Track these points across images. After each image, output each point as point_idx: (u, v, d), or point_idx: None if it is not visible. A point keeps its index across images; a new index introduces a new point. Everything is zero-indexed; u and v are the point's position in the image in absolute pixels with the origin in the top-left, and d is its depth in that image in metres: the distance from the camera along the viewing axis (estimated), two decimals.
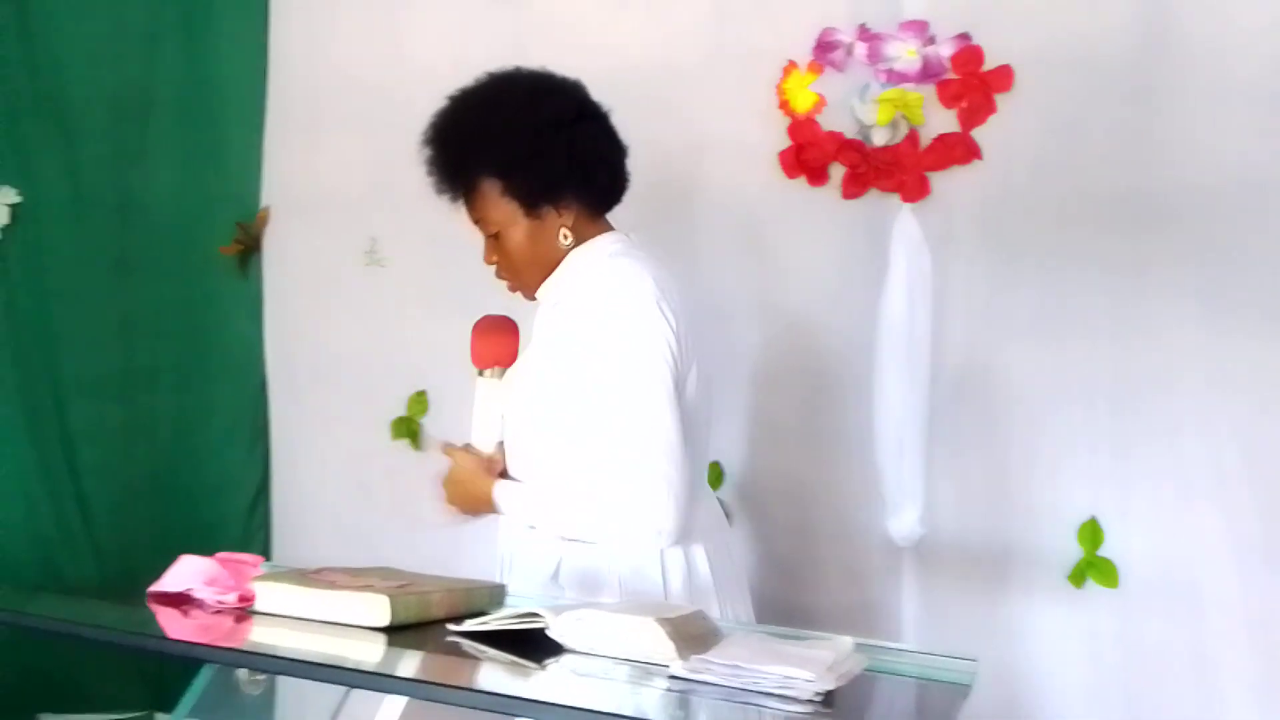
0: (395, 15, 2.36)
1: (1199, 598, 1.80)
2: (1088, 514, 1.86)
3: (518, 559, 1.48)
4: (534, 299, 1.52)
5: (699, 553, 1.43)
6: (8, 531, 2.50)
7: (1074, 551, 1.87)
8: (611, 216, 1.56)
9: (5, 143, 2.54)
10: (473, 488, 1.46)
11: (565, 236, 1.47)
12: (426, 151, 1.51)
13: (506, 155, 1.44)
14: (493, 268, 1.52)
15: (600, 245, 1.49)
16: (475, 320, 1.54)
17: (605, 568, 1.40)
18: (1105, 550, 1.85)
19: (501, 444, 1.49)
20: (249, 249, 2.51)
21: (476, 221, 1.50)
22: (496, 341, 1.52)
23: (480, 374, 1.51)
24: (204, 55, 2.52)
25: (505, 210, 1.46)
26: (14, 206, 2.53)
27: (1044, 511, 1.89)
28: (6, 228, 2.53)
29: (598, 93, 2.15)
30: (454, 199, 1.50)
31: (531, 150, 1.44)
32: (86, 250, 2.53)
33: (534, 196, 1.46)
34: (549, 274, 1.49)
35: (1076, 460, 1.88)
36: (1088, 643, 1.86)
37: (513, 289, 1.53)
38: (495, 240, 1.49)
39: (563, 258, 1.48)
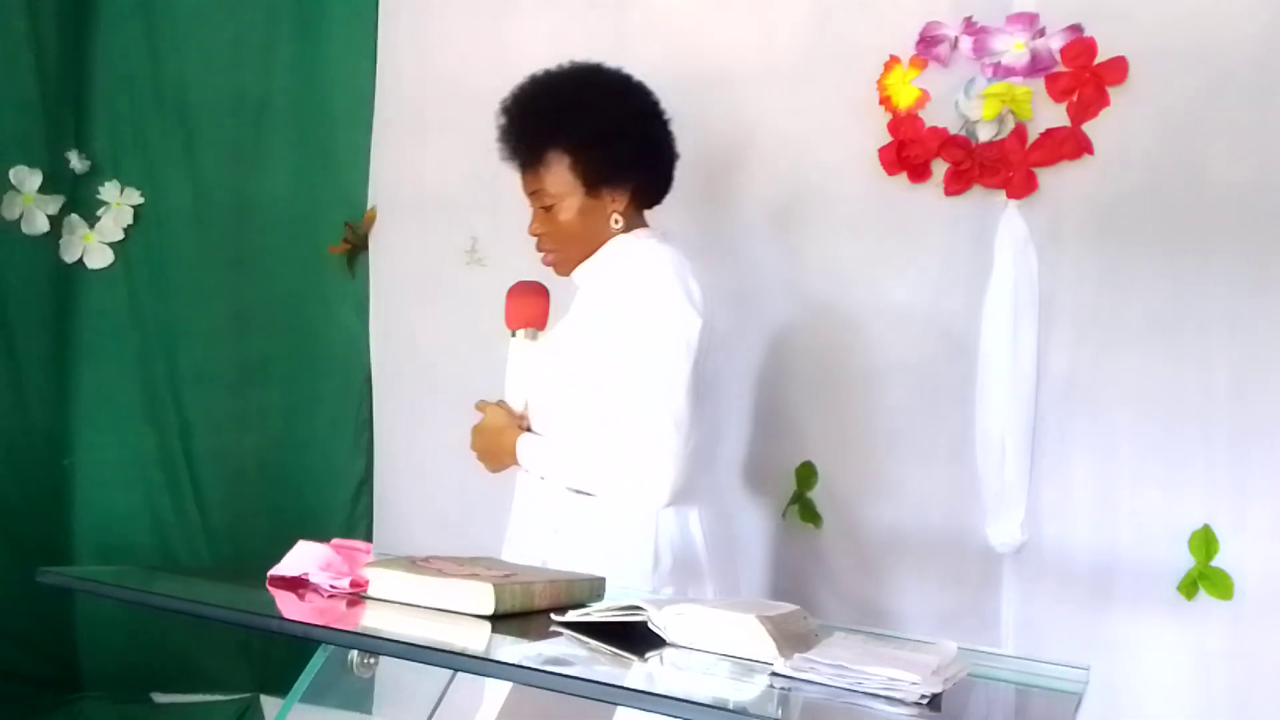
0: (498, 21, 2.41)
1: None
2: (1201, 523, 1.79)
3: (524, 510, 1.58)
4: (568, 274, 1.61)
5: (694, 519, 1.52)
6: (129, 516, 2.64)
7: (1185, 561, 1.80)
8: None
9: (132, 148, 2.68)
10: (500, 439, 1.55)
11: (616, 220, 1.57)
12: (502, 119, 1.60)
13: (585, 132, 1.54)
14: (534, 239, 1.60)
15: (643, 235, 1.60)
16: (510, 285, 1.62)
17: (604, 520, 1.49)
18: (1219, 561, 1.78)
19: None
20: (356, 248, 2.59)
21: (533, 192, 1.58)
22: (530, 303, 1.59)
23: (514, 334, 1.59)
24: (316, 62, 2.61)
25: (567, 184, 1.55)
26: (137, 208, 2.68)
27: (1154, 520, 1.82)
28: (130, 228, 2.67)
29: (696, 93, 2.18)
30: (521, 166, 1.58)
31: (610, 132, 1.55)
32: (204, 249, 2.65)
33: (599, 176, 1.55)
34: (590, 253, 1.58)
35: (1190, 467, 1.80)
36: (1198, 657, 1.79)
37: (550, 262, 1.61)
38: (547, 212, 1.57)
39: (606, 240, 1.58)
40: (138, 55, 2.67)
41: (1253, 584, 1.77)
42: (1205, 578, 1.78)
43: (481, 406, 1.60)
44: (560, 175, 1.55)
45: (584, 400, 1.50)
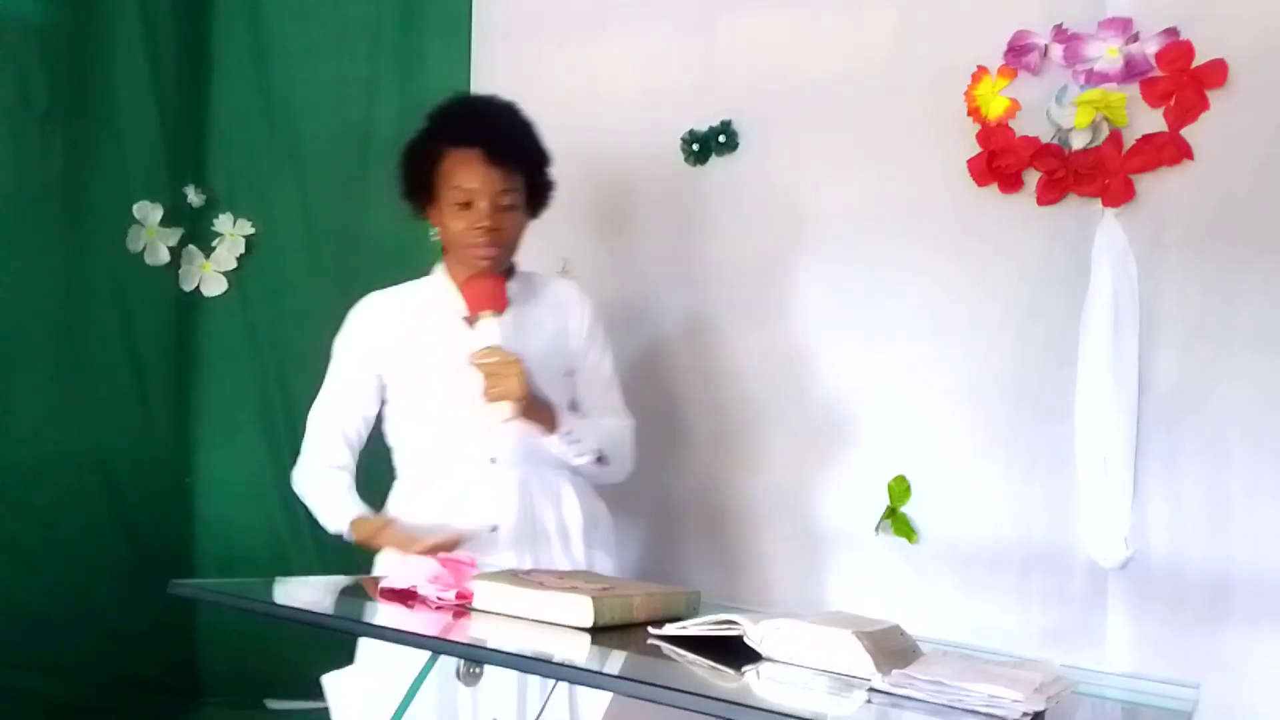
0: (591, 49, 2.46)
1: None
2: None
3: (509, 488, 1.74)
4: (493, 273, 1.73)
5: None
6: (245, 530, 2.77)
7: None
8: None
9: (243, 181, 2.83)
10: (524, 379, 1.63)
11: (521, 239, 1.79)
12: (471, 112, 1.79)
13: (544, 162, 1.79)
14: (474, 232, 1.70)
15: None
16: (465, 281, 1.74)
17: (587, 492, 1.83)
18: None
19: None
20: None
21: (504, 190, 1.71)
22: (492, 289, 1.69)
23: (479, 319, 1.67)
24: (415, 94, 2.68)
25: (522, 199, 1.75)
26: (249, 238, 2.82)
27: (1269, 535, 1.76)
28: (243, 257, 2.82)
29: (788, 109, 2.20)
30: (497, 160, 1.70)
31: (547, 172, 1.81)
32: (314, 276, 2.77)
33: (537, 204, 1.81)
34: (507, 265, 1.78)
35: None
36: None
37: (489, 256, 1.72)
38: (504, 213, 1.72)
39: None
40: (250, 93, 2.82)
41: None
42: None
43: (489, 351, 1.64)
44: (520, 188, 1.74)
45: (561, 387, 1.77)
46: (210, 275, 2.81)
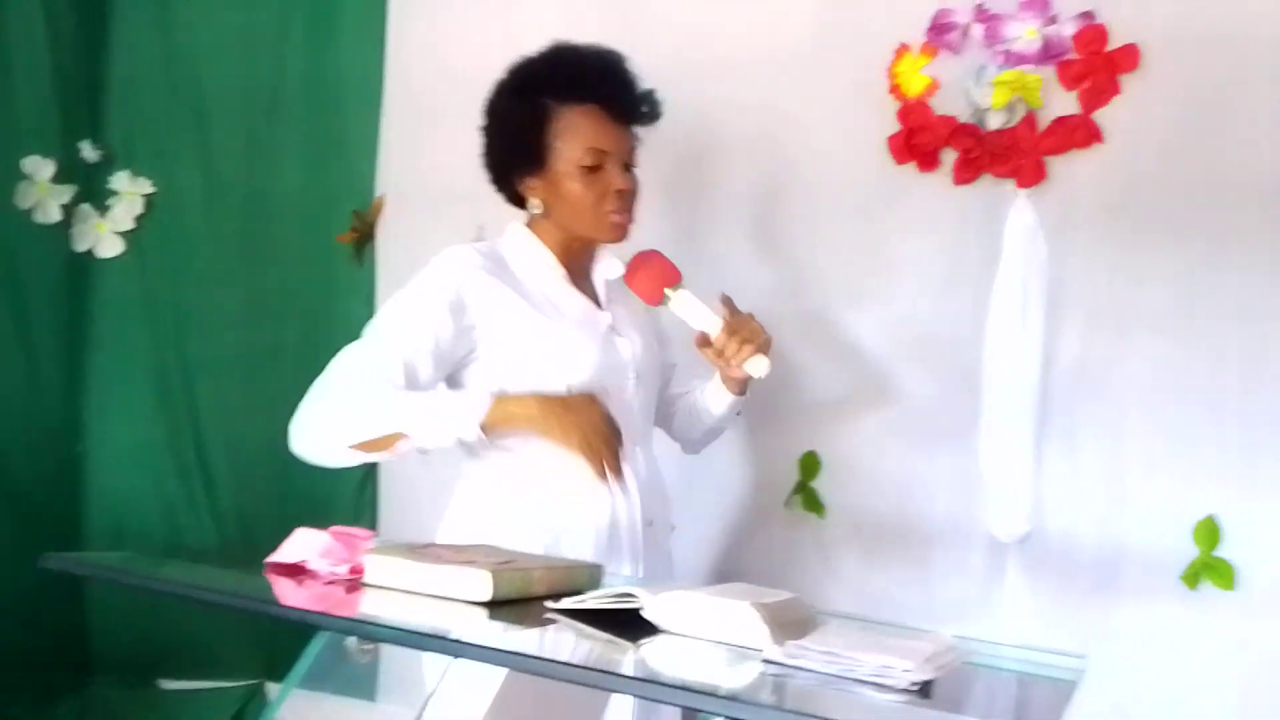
0: (508, 12, 2.39)
1: None
2: (1206, 513, 1.77)
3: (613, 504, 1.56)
4: (620, 241, 1.60)
5: None
6: (138, 501, 2.66)
7: (1190, 552, 1.78)
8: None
9: (143, 137, 2.69)
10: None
11: None
12: (620, 69, 1.59)
13: (653, 121, 1.63)
14: (611, 198, 1.55)
15: None
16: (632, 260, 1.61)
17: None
18: (1223, 551, 1.76)
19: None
20: (364, 237, 2.59)
21: (631, 149, 1.58)
22: (661, 263, 1.58)
23: (665, 299, 1.56)
24: (327, 52, 2.60)
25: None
26: (149, 196, 2.69)
27: (1162, 511, 1.81)
28: (142, 217, 2.69)
29: (707, 81, 2.17)
30: (629, 117, 1.58)
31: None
32: (215, 238, 2.66)
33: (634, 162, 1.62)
34: None
35: (1199, 458, 1.79)
36: (1202, 647, 1.78)
37: (625, 223, 1.57)
38: (632, 176, 1.58)
39: None
40: (151, 46, 2.67)
41: (1259, 574, 1.75)
42: (1209, 568, 1.77)
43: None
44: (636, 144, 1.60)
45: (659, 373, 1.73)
46: (106, 236, 2.67)
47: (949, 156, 1.98)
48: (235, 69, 2.65)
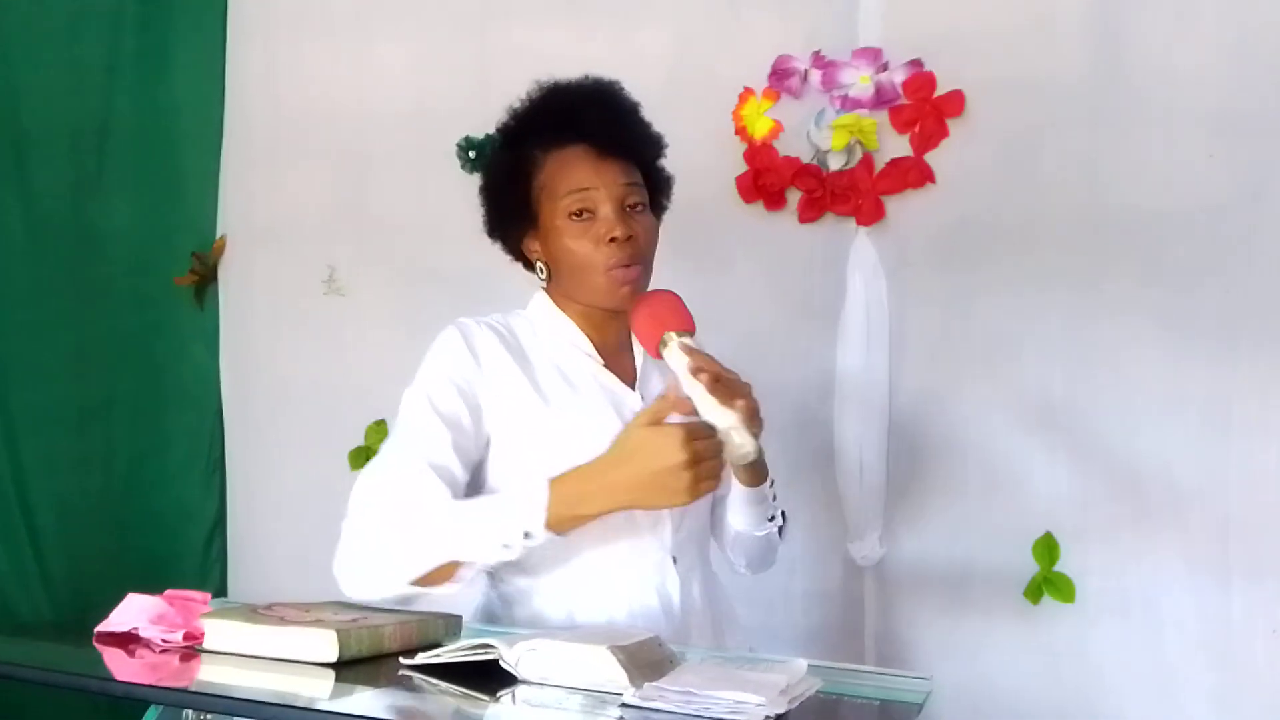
0: (356, 46, 2.36)
1: (1156, 611, 1.82)
2: (1043, 530, 1.88)
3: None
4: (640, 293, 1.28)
5: None
6: None
7: (1031, 568, 1.89)
8: None
9: None
10: None
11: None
12: (607, 98, 1.35)
13: (658, 149, 1.37)
14: (606, 249, 1.25)
15: None
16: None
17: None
18: (1063, 566, 1.88)
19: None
20: (205, 279, 2.48)
21: (628, 186, 1.28)
22: (673, 302, 1.26)
23: (668, 343, 1.22)
24: (160, 87, 2.49)
25: (646, 196, 1.31)
26: None
27: (1003, 529, 1.91)
28: None
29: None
30: (611, 151, 1.29)
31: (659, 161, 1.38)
32: (42, 280, 2.48)
33: (661, 198, 1.37)
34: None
35: (1034, 479, 1.90)
36: (1046, 658, 1.88)
37: (632, 279, 1.26)
38: (633, 213, 1.28)
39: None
40: None
41: (1093, 587, 1.87)
42: (1049, 582, 1.88)
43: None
44: (642, 183, 1.31)
45: None
46: None
47: (794, 196, 2.06)
48: (60, 103, 2.49)
